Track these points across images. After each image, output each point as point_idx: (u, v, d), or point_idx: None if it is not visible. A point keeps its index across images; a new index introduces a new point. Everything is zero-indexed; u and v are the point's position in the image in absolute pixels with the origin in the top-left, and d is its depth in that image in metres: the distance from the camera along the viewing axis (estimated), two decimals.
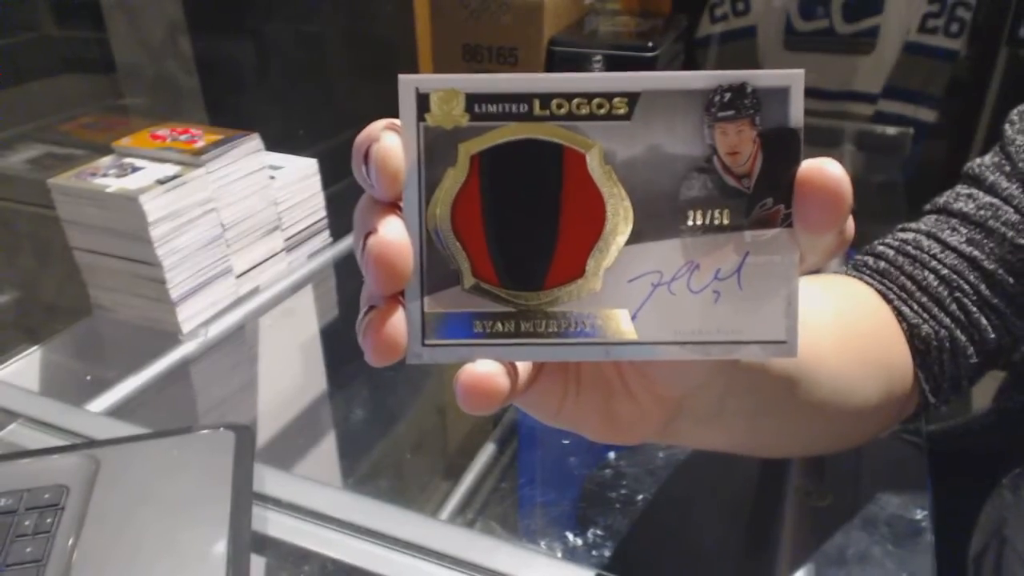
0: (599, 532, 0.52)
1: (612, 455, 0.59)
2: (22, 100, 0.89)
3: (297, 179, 0.80)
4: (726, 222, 0.20)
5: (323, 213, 0.84)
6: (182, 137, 0.72)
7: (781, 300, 0.20)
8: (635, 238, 0.20)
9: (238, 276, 0.74)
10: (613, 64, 1.16)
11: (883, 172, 1.09)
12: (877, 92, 1.28)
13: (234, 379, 0.71)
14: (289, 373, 0.75)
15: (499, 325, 0.21)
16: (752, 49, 1.32)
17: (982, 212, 0.43)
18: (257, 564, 0.43)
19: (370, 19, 1.27)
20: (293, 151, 0.83)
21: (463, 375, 0.21)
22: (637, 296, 0.20)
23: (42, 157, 0.83)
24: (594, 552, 0.51)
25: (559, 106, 0.20)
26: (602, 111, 0.20)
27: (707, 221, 0.20)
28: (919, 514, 0.46)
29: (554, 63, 1.17)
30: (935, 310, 0.42)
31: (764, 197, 0.20)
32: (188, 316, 0.69)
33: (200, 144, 0.70)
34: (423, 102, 0.20)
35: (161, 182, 0.65)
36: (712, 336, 0.21)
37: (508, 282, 0.20)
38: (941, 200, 0.46)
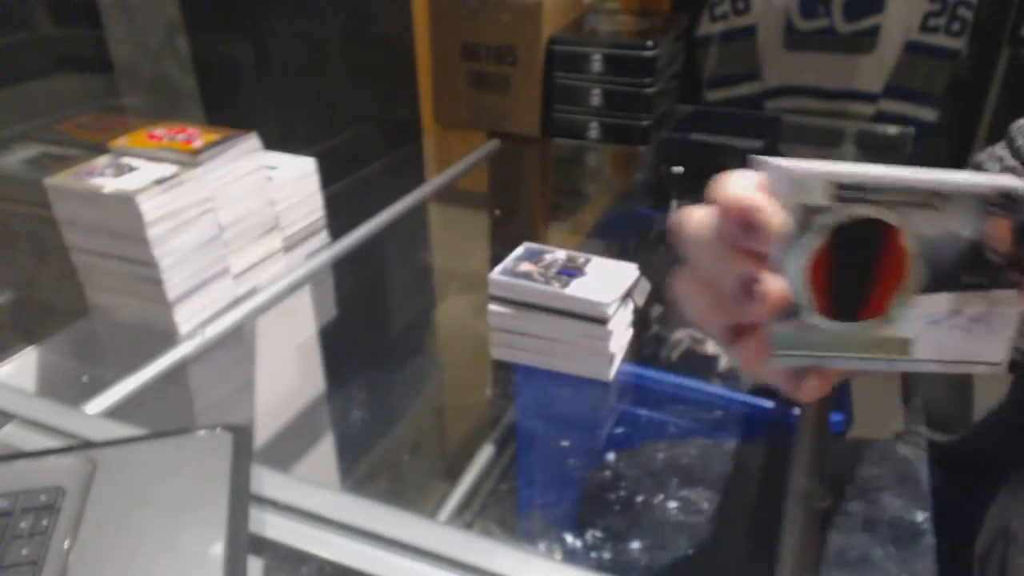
0: (598, 534, 0.52)
1: (611, 457, 0.58)
2: (18, 99, 0.89)
3: (295, 179, 0.80)
4: (984, 283, 0.28)
5: (321, 213, 0.84)
6: (179, 137, 0.71)
7: (1006, 337, 0.29)
8: (921, 290, 0.28)
9: (236, 276, 0.74)
10: (612, 63, 1.16)
11: None
12: (878, 91, 1.27)
13: (232, 380, 0.71)
14: (287, 374, 0.75)
15: (824, 344, 0.29)
16: (752, 48, 1.32)
17: None
18: (255, 566, 0.43)
19: (368, 17, 1.27)
20: (291, 150, 0.82)
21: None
22: (917, 330, 0.29)
23: (39, 157, 0.82)
24: (593, 554, 0.51)
25: (889, 195, 0.27)
26: (918, 200, 0.27)
27: (971, 282, 0.28)
28: (920, 516, 0.46)
29: (553, 62, 1.17)
30: None
31: (1010, 269, 0.28)
32: (185, 316, 0.69)
33: (197, 144, 0.70)
34: (799, 187, 0.27)
35: (158, 182, 0.65)
36: (958, 358, 0.30)
37: (835, 315, 0.29)
38: None
